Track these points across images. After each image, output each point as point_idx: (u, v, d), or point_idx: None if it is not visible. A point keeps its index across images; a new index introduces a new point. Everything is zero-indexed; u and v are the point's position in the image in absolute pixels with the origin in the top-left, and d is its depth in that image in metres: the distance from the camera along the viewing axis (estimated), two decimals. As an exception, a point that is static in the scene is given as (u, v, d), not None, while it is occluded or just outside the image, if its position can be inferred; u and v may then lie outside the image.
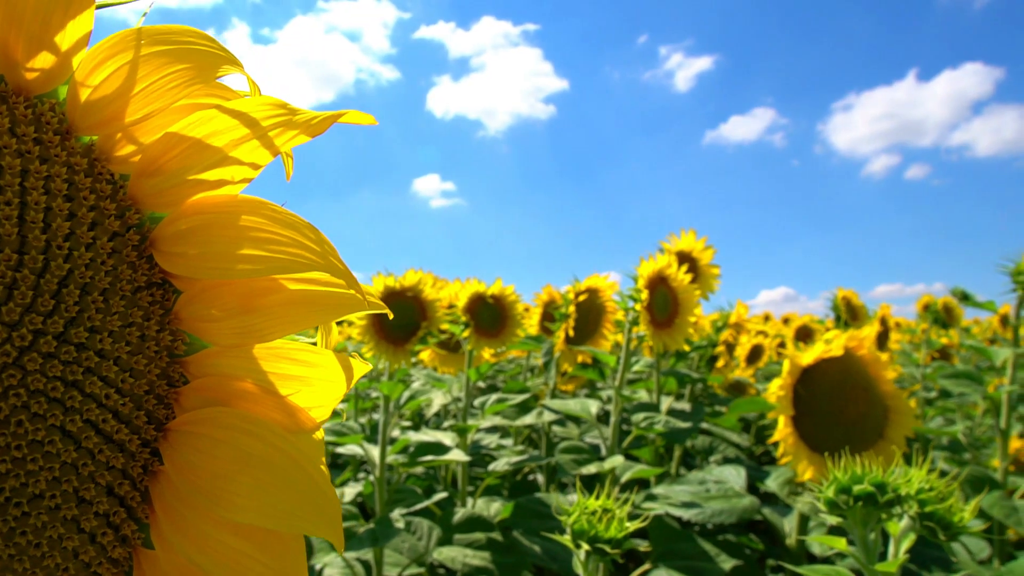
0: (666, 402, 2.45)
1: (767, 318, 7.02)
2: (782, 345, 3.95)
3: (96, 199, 0.35)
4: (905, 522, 1.02)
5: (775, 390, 1.72)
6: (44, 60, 0.34)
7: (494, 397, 2.32)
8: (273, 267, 0.34)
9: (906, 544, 1.02)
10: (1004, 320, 4.39)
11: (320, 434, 0.39)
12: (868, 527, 0.99)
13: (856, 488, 0.98)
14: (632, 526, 1.04)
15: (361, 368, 0.39)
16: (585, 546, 1.01)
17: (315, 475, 0.35)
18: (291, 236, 0.34)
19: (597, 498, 1.10)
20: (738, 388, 3.57)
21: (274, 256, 0.34)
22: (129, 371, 0.35)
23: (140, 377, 0.36)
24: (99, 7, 0.34)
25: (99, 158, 0.35)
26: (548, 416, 2.30)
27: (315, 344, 0.40)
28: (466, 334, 2.12)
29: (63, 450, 0.33)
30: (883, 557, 1.05)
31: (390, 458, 1.86)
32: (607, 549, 1.00)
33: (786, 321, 6.20)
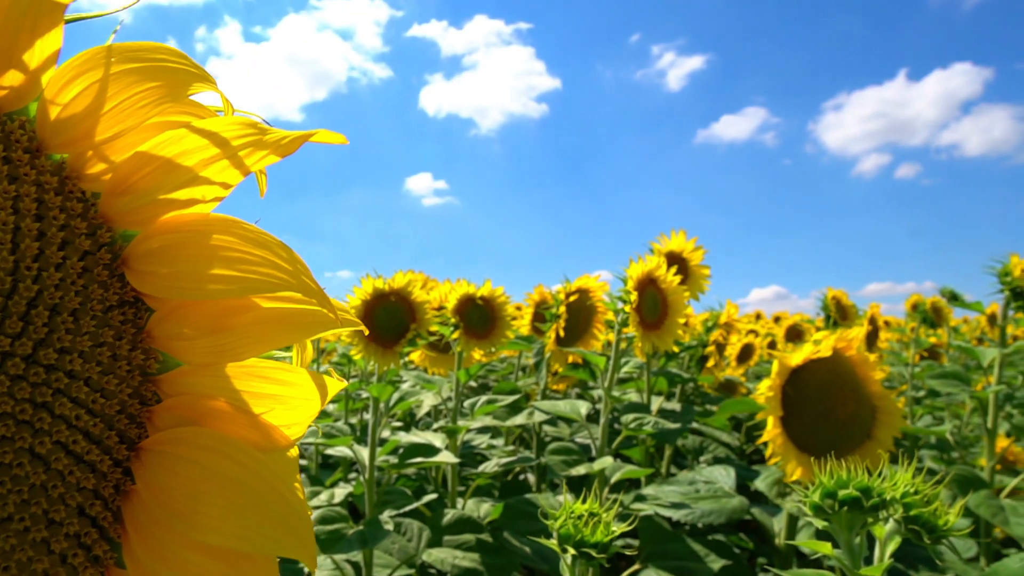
0: (656, 402, 2.46)
1: (758, 316, 7.05)
2: (772, 344, 3.96)
3: (66, 218, 0.34)
4: (890, 525, 1.02)
5: (764, 391, 1.72)
6: (13, 78, 0.33)
7: (484, 398, 2.32)
8: (244, 287, 0.34)
9: (891, 547, 1.03)
10: (992, 319, 4.42)
11: (294, 451, 0.39)
12: (853, 531, 1.00)
13: (841, 493, 0.98)
14: (619, 530, 1.04)
15: (336, 386, 0.39)
16: (571, 550, 1.01)
17: (287, 495, 0.35)
18: (262, 255, 0.34)
19: (585, 500, 1.10)
20: (729, 387, 3.58)
21: (245, 276, 0.34)
22: (100, 391, 0.35)
23: (111, 397, 0.35)
24: (68, 22, 0.34)
25: (70, 176, 0.35)
26: (539, 416, 2.30)
27: (290, 361, 0.40)
28: (455, 336, 2.11)
29: (32, 472, 0.33)
30: (870, 560, 1.06)
31: (380, 459, 1.86)
32: (593, 553, 0.99)
33: (777, 320, 6.22)
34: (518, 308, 3.74)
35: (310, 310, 0.36)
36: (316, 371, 0.38)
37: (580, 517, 1.04)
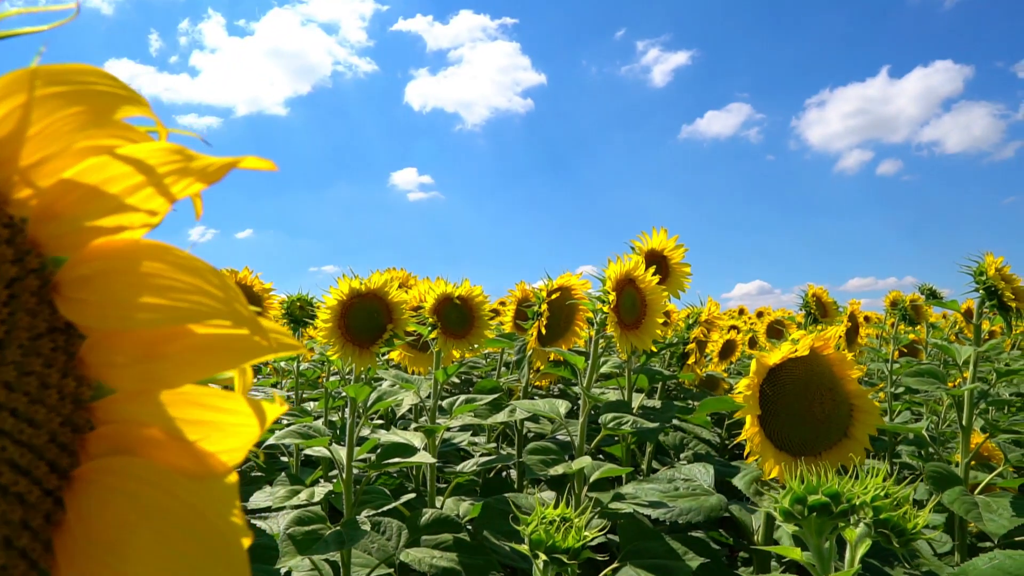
0: (637, 399, 2.46)
1: (741, 311, 7.09)
2: (754, 341, 3.98)
3: (-9, 245, 0.34)
4: (861, 529, 1.03)
5: (742, 389, 1.72)
6: (-68, 101, 0.32)
7: (463, 397, 2.31)
8: (173, 316, 0.33)
9: (862, 550, 1.03)
10: (968, 314, 4.46)
11: (233, 477, 0.38)
12: (823, 536, 1.00)
13: (811, 499, 0.98)
14: (591, 534, 1.04)
15: (275, 411, 0.38)
16: (542, 556, 1.01)
17: (221, 525, 0.34)
18: (193, 283, 0.33)
19: (563, 499, 1.11)
20: (711, 383, 3.60)
21: (175, 305, 0.33)
22: (28, 421, 0.34)
23: (40, 426, 0.35)
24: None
25: (-4, 200, 0.34)
26: (520, 414, 2.30)
27: (230, 387, 0.39)
28: (433, 335, 2.10)
29: (-47, 507, 0.32)
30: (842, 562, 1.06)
31: (359, 458, 1.85)
32: (564, 559, 1.00)
33: (760, 315, 6.26)
34: (501, 304, 3.73)
35: (244, 336, 0.35)
36: (253, 397, 0.37)
37: (552, 522, 1.04)
